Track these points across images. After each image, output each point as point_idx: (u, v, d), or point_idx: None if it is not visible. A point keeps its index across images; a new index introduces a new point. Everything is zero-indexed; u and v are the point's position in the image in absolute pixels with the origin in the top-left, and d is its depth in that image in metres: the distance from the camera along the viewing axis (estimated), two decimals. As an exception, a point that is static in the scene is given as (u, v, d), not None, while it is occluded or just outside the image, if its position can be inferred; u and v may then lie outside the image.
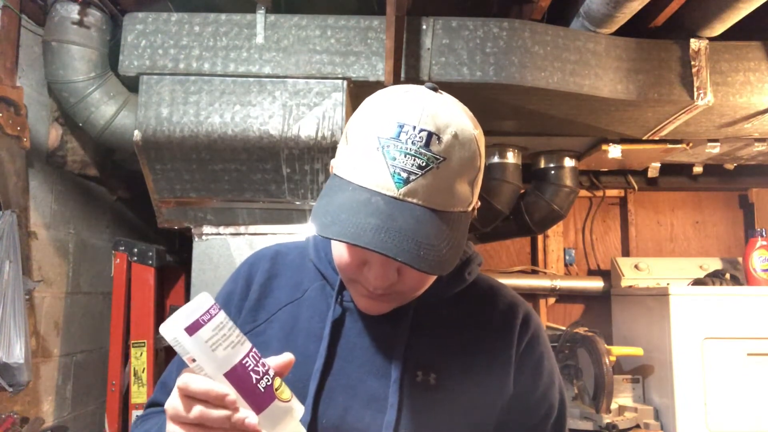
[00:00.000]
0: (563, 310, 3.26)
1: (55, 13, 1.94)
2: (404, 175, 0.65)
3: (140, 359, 2.17)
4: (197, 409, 0.59)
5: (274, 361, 0.65)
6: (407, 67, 1.89)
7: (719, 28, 1.92)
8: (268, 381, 0.62)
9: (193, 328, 0.60)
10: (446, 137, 0.67)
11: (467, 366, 0.79)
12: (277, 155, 1.86)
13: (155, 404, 0.88)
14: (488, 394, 0.79)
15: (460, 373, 0.78)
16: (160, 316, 2.27)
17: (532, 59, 1.89)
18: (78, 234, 2.34)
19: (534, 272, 3.25)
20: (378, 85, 1.86)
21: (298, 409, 0.64)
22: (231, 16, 1.93)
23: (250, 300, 0.86)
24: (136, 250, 2.23)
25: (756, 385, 2.33)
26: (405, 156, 0.65)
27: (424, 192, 0.66)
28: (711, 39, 2.00)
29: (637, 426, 2.39)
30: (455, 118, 0.69)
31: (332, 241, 0.78)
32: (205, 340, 0.60)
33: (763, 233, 2.65)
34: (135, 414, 2.15)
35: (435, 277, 0.77)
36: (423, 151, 0.65)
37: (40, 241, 2.08)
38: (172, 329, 0.60)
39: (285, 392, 0.63)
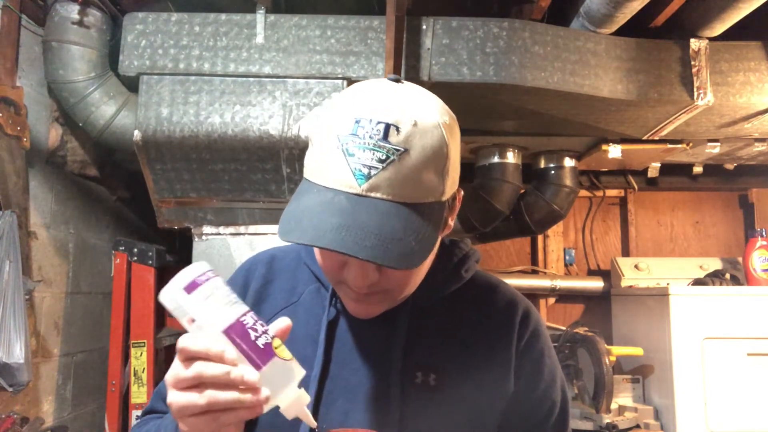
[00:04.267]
0: (563, 310, 3.26)
1: (55, 13, 1.94)
2: (365, 170, 0.64)
3: (140, 359, 2.17)
4: (197, 366, 0.58)
5: (272, 326, 0.65)
6: (407, 67, 1.89)
7: (719, 28, 1.92)
8: (267, 339, 0.61)
9: (191, 287, 0.61)
10: (405, 127, 0.65)
11: (467, 365, 0.78)
12: (277, 155, 1.86)
13: (152, 412, 0.87)
14: (489, 394, 0.78)
15: (459, 372, 0.77)
16: (160, 316, 2.27)
17: (532, 59, 1.89)
18: (78, 234, 2.34)
19: (534, 272, 3.25)
20: (378, 85, 1.85)
21: (299, 372, 0.63)
22: (231, 16, 1.93)
23: (247, 303, 0.84)
24: (136, 250, 2.23)
25: (756, 385, 2.33)
26: (364, 151, 0.64)
27: (388, 185, 0.64)
28: (711, 39, 2.00)
29: (637, 426, 2.39)
30: (414, 107, 0.67)
31: (316, 249, 0.77)
32: (203, 298, 0.60)
33: (763, 233, 2.65)
34: (135, 414, 2.15)
35: (421, 273, 0.75)
36: (382, 143, 0.64)
37: (40, 241, 2.08)
38: (171, 291, 0.61)
39: (284, 351, 0.62)
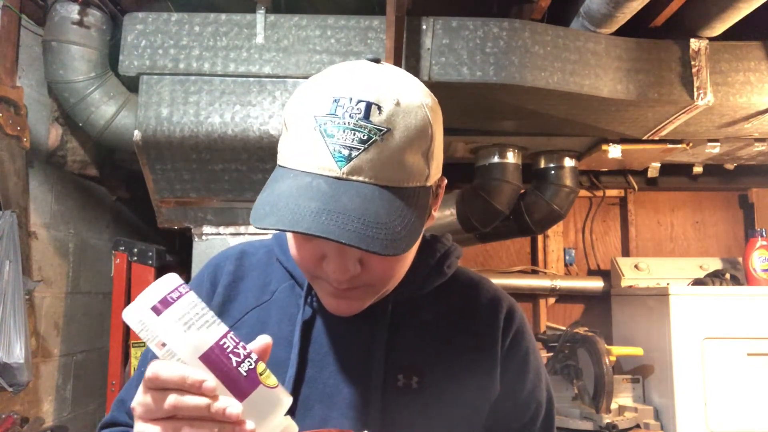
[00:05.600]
0: (563, 310, 3.26)
1: (55, 13, 1.95)
2: (345, 152, 0.59)
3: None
4: (171, 398, 0.51)
5: (251, 346, 0.58)
6: (407, 67, 1.89)
7: (719, 28, 1.92)
8: (251, 365, 0.54)
9: (160, 307, 0.53)
10: (387, 106, 0.61)
11: (450, 366, 0.74)
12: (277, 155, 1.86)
13: (112, 424, 0.79)
14: (474, 395, 0.75)
15: (443, 374, 0.73)
16: (160, 316, 2.27)
17: (532, 59, 1.89)
18: (78, 234, 2.34)
19: (534, 272, 3.25)
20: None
21: (286, 400, 0.56)
22: (231, 16, 1.93)
23: (214, 305, 0.79)
24: (136, 250, 2.23)
25: (756, 385, 2.33)
26: (344, 131, 0.59)
27: (370, 168, 0.59)
28: (711, 39, 2.00)
29: (637, 426, 2.39)
30: (396, 86, 0.63)
31: (288, 237, 0.71)
32: (175, 319, 0.53)
33: (763, 233, 2.65)
34: (135, 414, 2.14)
35: (405, 265, 0.71)
36: (363, 123, 0.60)
37: (40, 241, 2.08)
38: (137, 311, 0.53)
39: (270, 378, 0.55)
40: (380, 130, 0.60)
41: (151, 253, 2.22)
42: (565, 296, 3.21)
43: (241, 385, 0.53)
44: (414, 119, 0.62)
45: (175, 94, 1.89)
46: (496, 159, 2.59)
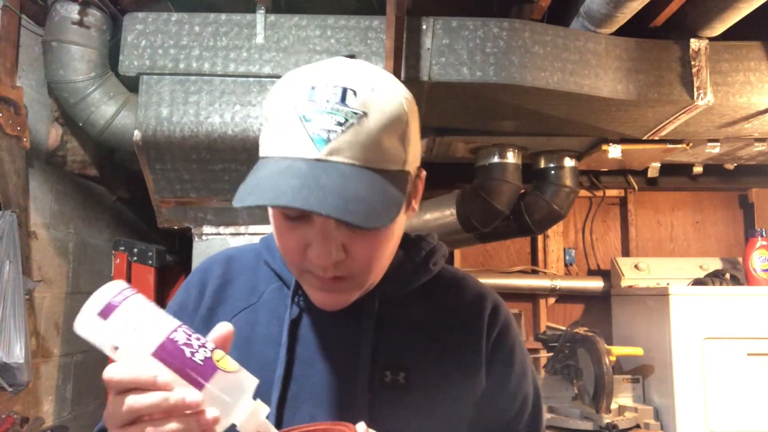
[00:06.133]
0: (563, 310, 3.26)
1: (55, 13, 1.95)
2: (324, 134, 0.61)
3: (140, 359, 2.17)
4: (129, 400, 0.51)
5: (211, 335, 0.58)
6: (407, 67, 1.89)
7: (719, 28, 1.92)
8: (206, 353, 0.54)
9: (107, 311, 0.53)
10: (363, 91, 0.63)
11: (437, 362, 0.75)
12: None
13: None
14: (461, 389, 0.76)
15: (430, 370, 0.75)
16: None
17: (532, 59, 1.89)
18: (78, 234, 2.34)
19: (534, 272, 3.25)
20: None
21: (250, 382, 0.55)
22: (231, 16, 1.93)
23: (203, 308, 0.80)
24: (136, 250, 2.23)
25: (756, 385, 2.33)
26: (321, 115, 0.61)
27: (349, 149, 0.61)
28: (711, 39, 2.00)
29: (637, 426, 2.39)
30: (371, 75, 0.66)
31: (275, 231, 0.71)
32: (123, 321, 0.53)
33: (763, 233, 2.65)
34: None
35: (387, 253, 0.71)
36: (340, 107, 0.62)
37: (40, 241, 2.08)
38: (85, 319, 0.53)
39: (228, 363, 0.55)
40: (356, 114, 0.62)
41: (151, 253, 2.22)
42: (565, 296, 3.21)
43: (198, 374, 0.52)
44: (388, 105, 0.65)
45: (175, 94, 1.89)
46: (496, 159, 2.59)
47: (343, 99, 0.62)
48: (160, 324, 0.54)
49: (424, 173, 0.75)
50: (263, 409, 0.57)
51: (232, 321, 0.75)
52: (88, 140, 2.20)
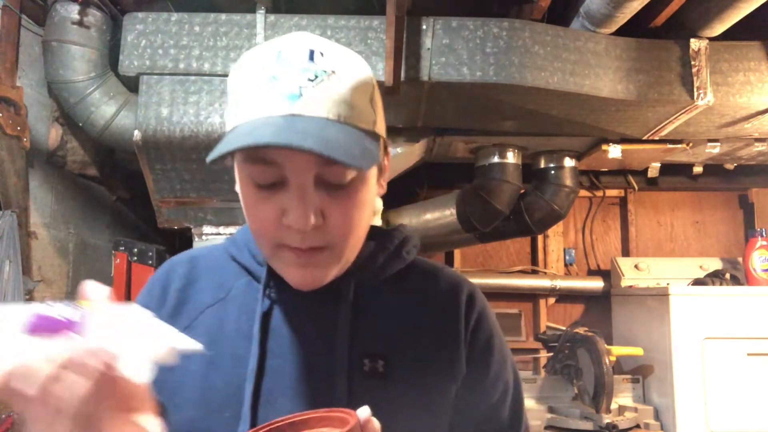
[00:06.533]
0: (563, 310, 3.26)
1: (55, 13, 1.95)
2: (295, 90, 0.61)
3: (140, 359, 2.17)
4: (10, 383, 0.46)
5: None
6: (407, 67, 1.89)
7: (719, 28, 1.92)
8: (73, 307, 0.50)
9: None
10: (330, 52, 0.64)
11: (416, 349, 0.74)
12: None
13: None
14: (441, 377, 0.74)
15: (409, 357, 0.73)
16: (160, 316, 2.27)
17: (532, 59, 1.89)
18: (78, 234, 2.34)
19: (534, 272, 3.25)
20: (378, 85, 1.86)
21: (135, 311, 0.53)
22: (231, 16, 1.93)
23: (167, 308, 0.77)
24: (136, 250, 2.23)
25: (756, 385, 2.33)
26: (291, 73, 0.61)
27: (321, 104, 0.61)
28: (711, 39, 2.00)
29: (637, 426, 2.39)
30: (335, 45, 0.67)
31: (247, 206, 0.69)
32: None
33: (763, 233, 2.65)
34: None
35: (363, 223, 0.70)
36: (309, 65, 0.62)
37: (40, 241, 2.08)
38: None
39: (95, 305, 0.51)
40: (326, 71, 0.63)
41: (151, 253, 2.22)
42: (565, 296, 3.21)
43: (71, 327, 0.49)
44: (356, 66, 0.66)
45: (175, 94, 1.89)
46: (496, 159, 2.59)
47: (312, 58, 0.63)
48: (21, 307, 0.50)
49: (390, 153, 0.75)
50: (160, 327, 0.53)
51: (200, 318, 0.75)
52: (88, 140, 2.20)
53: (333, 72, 0.63)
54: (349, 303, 0.73)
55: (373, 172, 0.71)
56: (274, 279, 0.74)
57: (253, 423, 0.67)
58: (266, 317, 0.73)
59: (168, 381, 0.69)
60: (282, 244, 0.67)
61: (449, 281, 0.81)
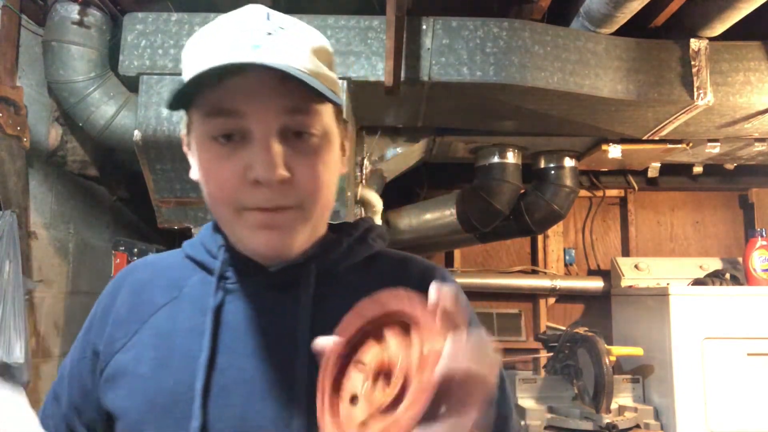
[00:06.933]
0: (563, 310, 3.26)
1: (55, 13, 1.94)
2: (256, 41, 0.60)
3: (140, 359, 2.17)
4: None
5: None
6: (407, 67, 1.89)
7: (719, 28, 1.92)
8: None
9: None
10: (286, 16, 0.65)
11: None
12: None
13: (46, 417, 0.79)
14: None
15: None
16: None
17: (532, 59, 1.89)
18: (78, 234, 2.34)
19: (534, 272, 3.25)
20: (378, 85, 1.86)
21: None
22: (231, 16, 1.93)
23: (118, 312, 0.74)
24: (136, 250, 2.23)
25: (756, 385, 2.33)
26: (249, 30, 0.61)
27: (284, 51, 0.60)
28: (711, 39, 2.00)
29: (637, 426, 2.39)
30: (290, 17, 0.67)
31: (206, 168, 0.66)
32: None
33: (763, 233, 2.65)
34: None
35: (331, 183, 0.67)
36: (267, 22, 0.62)
37: (40, 241, 2.08)
38: None
39: None
40: (283, 28, 0.62)
41: (151, 253, 2.22)
42: (565, 296, 3.22)
43: None
44: (314, 32, 0.66)
45: (175, 94, 1.88)
46: (496, 159, 2.59)
47: (267, 18, 0.63)
48: None
49: (349, 135, 0.73)
50: None
51: (151, 319, 0.71)
52: (88, 140, 2.19)
53: (291, 30, 0.63)
54: (311, 290, 0.68)
55: (337, 135, 0.68)
56: (230, 268, 0.70)
57: (204, 420, 0.63)
58: (219, 310, 0.68)
59: (119, 390, 0.68)
60: (245, 208, 0.63)
61: (420, 268, 0.76)
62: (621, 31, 1.95)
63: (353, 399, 0.50)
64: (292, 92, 0.61)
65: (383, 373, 0.49)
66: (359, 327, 0.52)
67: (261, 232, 0.64)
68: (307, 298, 0.67)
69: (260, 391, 0.64)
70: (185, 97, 0.62)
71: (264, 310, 0.68)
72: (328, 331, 0.61)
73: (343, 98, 0.61)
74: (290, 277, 0.69)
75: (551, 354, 2.64)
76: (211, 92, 0.61)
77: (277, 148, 0.61)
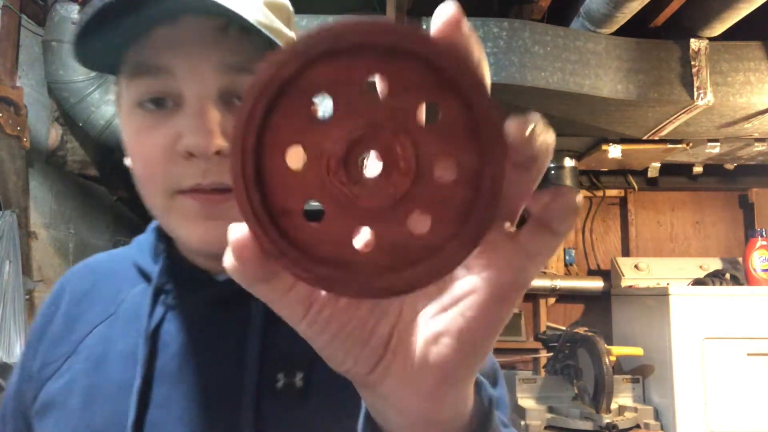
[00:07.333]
0: (563, 310, 3.26)
1: (55, 13, 1.95)
2: None
3: (140, 359, 2.17)
4: None
5: None
6: (407, 67, 1.89)
7: (719, 28, 1.92)
8: None
9: None
10: None
11: None
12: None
13: None
14: None
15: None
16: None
17: (532, 59, 1.89)
18: (78, 234, 2.34)
19: (534, 272, 3.24)
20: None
21: None
22: (231, 16, 1.93)
23: (53, 330, 0.62)
24: (136, 250, 2.23)
25: (756, 385, 2.33)
26: None
27: (227, 2, 0.47)
28: (711, 39, 2.00)
29: (637, 426, 2.39)
30: None
31: (133, 142, 0.54)
32: None
33: (763, 233, 2.65)
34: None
35: None
36: None
37: (40, 241, 2.08)
38: None
39: None
40: None
41: (151, 253, 2.22)
42: (565, 296, 3.21)
43: None
44: None
45: (175, 94, 1.89)
46: (496, 159, 2.59)
47: None
48: None
49: None
50: None
51: (85, 340, 0.60)
52: (88, 140, 2.20)
53: None
54: (261, 305, 0.53)
55: None
56: (171, 279, 0.59)
57: None
58: (156, 332, 0.57)
59: (46, 427, 0.58)
60: (178, 191, 0.52)
61: None
62: (621, 31, 1.95)
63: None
64: (236, 46, 0.50)
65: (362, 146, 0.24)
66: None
67: (198, 222, 0.52)
68: (258, 314, 0.55)
69: (200, 425, 0.54)
70: (102, 54, 0.51)
71: (209, 327, 0.57)
72: (280, 350, 0.54)
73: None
74: (240, 287, 0.56)
75: (551, 354, 2.64)
76: (137, 48, 0.51)
77: (215, 113, 0.50)
